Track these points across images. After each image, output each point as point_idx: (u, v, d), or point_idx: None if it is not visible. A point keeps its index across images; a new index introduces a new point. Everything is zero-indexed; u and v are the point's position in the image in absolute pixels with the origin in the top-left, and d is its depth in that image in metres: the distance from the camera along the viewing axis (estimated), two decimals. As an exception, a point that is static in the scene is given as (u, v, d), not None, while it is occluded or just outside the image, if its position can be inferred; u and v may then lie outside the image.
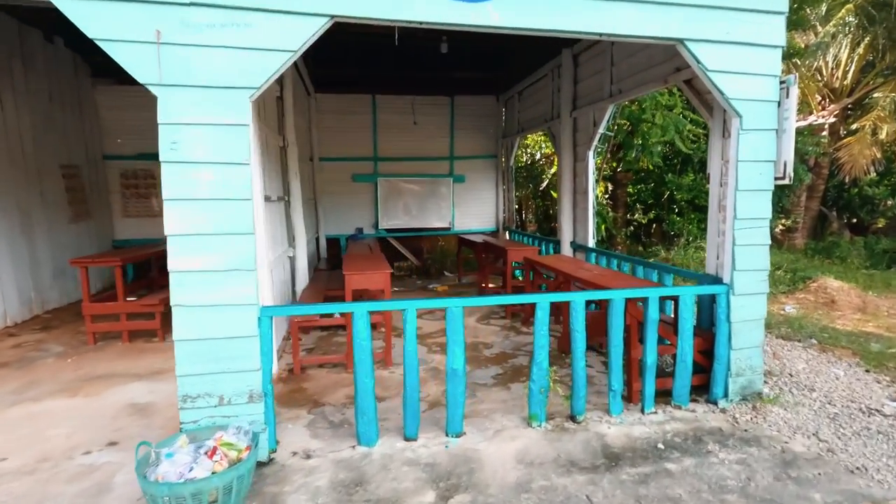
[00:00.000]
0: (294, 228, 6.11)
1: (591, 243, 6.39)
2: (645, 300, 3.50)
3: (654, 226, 11.32)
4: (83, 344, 5.30)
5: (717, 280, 3.97)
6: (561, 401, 3.64)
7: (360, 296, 5.37)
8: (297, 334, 4.40)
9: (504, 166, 9.90)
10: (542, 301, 3.28)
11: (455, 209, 10.01)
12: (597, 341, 4.83)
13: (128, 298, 5.37)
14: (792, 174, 3.51)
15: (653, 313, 3.48)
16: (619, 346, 3.46)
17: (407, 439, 3.23)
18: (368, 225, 9.74)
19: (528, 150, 13.47)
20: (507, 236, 9.79)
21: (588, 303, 5.84)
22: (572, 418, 3.48)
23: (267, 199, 4.77)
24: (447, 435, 3.27)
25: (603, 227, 9.43)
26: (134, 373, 4.46)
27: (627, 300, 3.53)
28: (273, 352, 3.01)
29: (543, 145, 13.14)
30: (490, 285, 8.00)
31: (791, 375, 4.28)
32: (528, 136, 13.08)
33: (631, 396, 3.77)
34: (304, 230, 6.19)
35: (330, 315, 4.85)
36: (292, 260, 6.20)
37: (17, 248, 6.07)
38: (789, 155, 3.50)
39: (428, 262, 10.08)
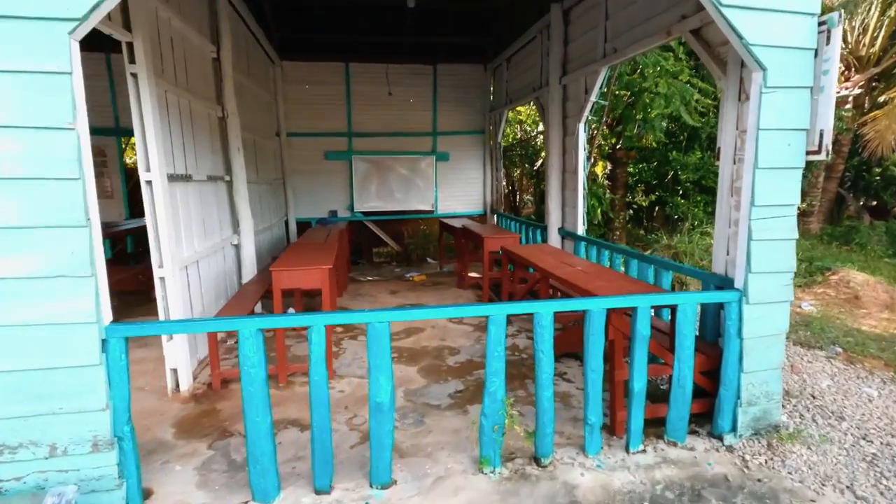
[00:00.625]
0: (239, 212, 5.32)
1: (581, 230, 5.58)
2: (633, 311, 2.71)
3: (657, 209, 10.44)
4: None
5: (725, 282, 3.17)
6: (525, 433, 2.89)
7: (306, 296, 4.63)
8: (214, 344, 3.65)
9: (492, 143, 9.02)
10: (497, 314, 2.50)
11: (438, 190, 9.17)
12: (580, 349, 4.07)
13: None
14: (830, 147, 2.67)
15: (643, 328, 2.69)
16: (598, 370, 2.69)
17: (318, 492, 2.49)
18: (343, 207, 8.93)
19: (524, 126, 12.53)
20: (495, 220, 8.97)
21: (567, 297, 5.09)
22: (536, 461, 2.73)
23: (185, 178, 3.97)
24: (371, 486, 2.54)
25: (599, 210, 8.58)
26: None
27: (611, 310, 2.75)
28: (128, 383, 2.26)
29: (541, 122, 12.19)
30: (472, 274, 7.25)
31: (814, 396, 3.51)
32: (523, 110, 12.17)
33: (614, 427, 3.02)
34: (250, 214, 5.40)
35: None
36: (238, 248, 5.43)
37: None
38: (827, 122, 2.65)
39: (409, 247, 9.32)
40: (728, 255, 3.26)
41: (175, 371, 3.58)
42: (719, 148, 3.40)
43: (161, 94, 3.63)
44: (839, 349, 4.36)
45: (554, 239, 6.01)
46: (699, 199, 9.09)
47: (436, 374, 3.99)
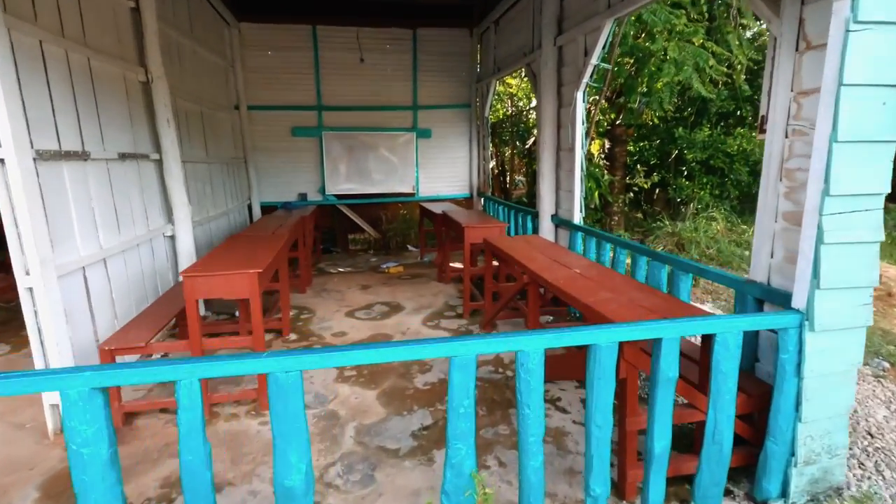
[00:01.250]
0: (171, 198, 4.46)
1: (578, 219, 4.79)
2: (655, 343, 1.94)
3: (657, 191, 9.64)
4: None
5: (769, 293, 2.42)
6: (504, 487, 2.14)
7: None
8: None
9: (479, 118, 8.13)
10: (463, 354, 1.72)
11: (420, 171, 8.30)
12: (577, 376, 3.32)
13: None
14: (941, 111, 1.87)
15: (668, 367, 1.93)
16: (605, 426, 1.93)
17: None
18: (314, 190, 8.05)
19: (514, 100, 11.60)
20: (482, 204, 8.15)
21: (563, 307, 4.30)
22: (519, 549, 1.99)
23: (79, 156, 3.10)
24: None
25: (597, 192, 7.78)
26: None
27: (623, 343, 1.98)
28: None
29: (533, 94, 11.25)
30: (454, 265, 6.48)
31: (871, 435, 2.78)
32: (514, 82, 11.24)
33: (623, 488, 2.28)
34: (186, 199, 4.54)
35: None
36: (173, 240, 4.58)
37: None
38: (939, 74, 1.85)
39: (388, 234, 8.48)
40: (772, 257, 2.50)
41: (56, 407, 2.77)
42: (763, 116, 2.61)
43: (30, 45, 2.75)
44: (886, 364, 3.65)
45: (546, 228, 5.22)
46: (706, 180, 8.30)
47: (399, 401, 3.22)
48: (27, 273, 2.59)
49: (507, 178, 12.10)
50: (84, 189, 3.24)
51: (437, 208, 6.61)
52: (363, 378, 3.54)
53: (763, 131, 2.56)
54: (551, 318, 4.62)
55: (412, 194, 8.33)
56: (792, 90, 2.34)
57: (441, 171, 8.40)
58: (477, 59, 8.09)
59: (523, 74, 9.89)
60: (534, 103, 10.82)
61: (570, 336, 1.83)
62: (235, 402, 3.20)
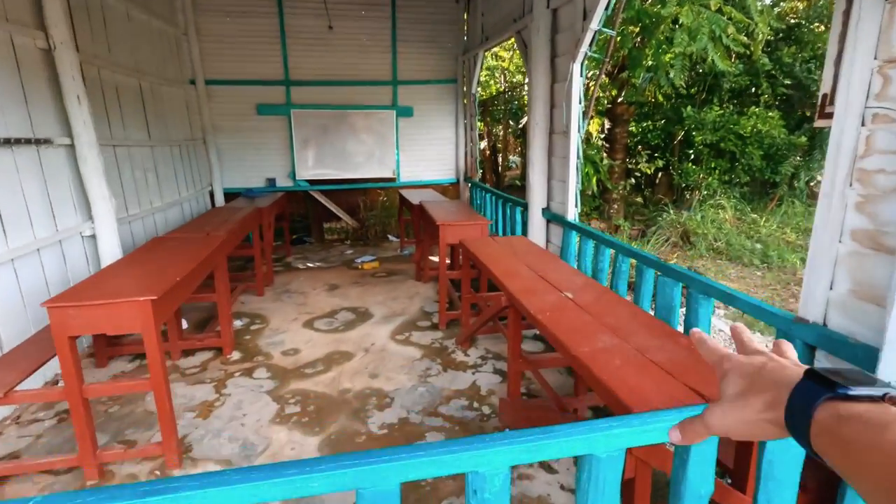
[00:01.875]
0: (89, 190, 3.75)
1: (573, 215, 4.10)
2: (680, 455, 1.28)
3: (660, 175, 8.92)
4: None
5: (825, 339, 1.77)
6: None
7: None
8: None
9: (466, 95, 7.34)
10: (373, 486, 1.06)
11: (401, 153, 7.54)
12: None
13: None
14: None
15: (699, 481, 1.28)
16: (602, 564, 1.28)
17: None
18: (283, 175, 7.29)
19: (507, 75, 10.75)
20: (469, 191, 7.43)
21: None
22: None
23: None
24: None
25: (595, 178, 7.07)
26: None
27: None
28: None
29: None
30: (434, 258, 5.83)
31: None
32: (506, 55, 10.38)
33: None
34: (107, 192, 3.82)
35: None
36: (93, 240, 3.88)
37: None
38: None
39: (368, 222, 7.78)
40: (832, 289, 1.84)
41: None
42: (825, 95, 1.91)
43: None
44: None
45: (537, 224, 4.54)
46: (714, 164, 7.57)
47: (347, 446, 2.59)
48: None
49: (500, 158, 11.34)
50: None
51: (417, 196, 5.90)
52: (307, 418, 2.90)
53: (826, 116, 1.87)
54: (536, 331, 3.98)
55: (393, 179, 7.60)
56: (876, 58, 1.65)
57: (424, 153, 7.65)
58: (464, 28, 7.26)
59: (515, 46, 9.03)
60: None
61: (552, 446, 1.17)
62: (142, 459, 2.55)
